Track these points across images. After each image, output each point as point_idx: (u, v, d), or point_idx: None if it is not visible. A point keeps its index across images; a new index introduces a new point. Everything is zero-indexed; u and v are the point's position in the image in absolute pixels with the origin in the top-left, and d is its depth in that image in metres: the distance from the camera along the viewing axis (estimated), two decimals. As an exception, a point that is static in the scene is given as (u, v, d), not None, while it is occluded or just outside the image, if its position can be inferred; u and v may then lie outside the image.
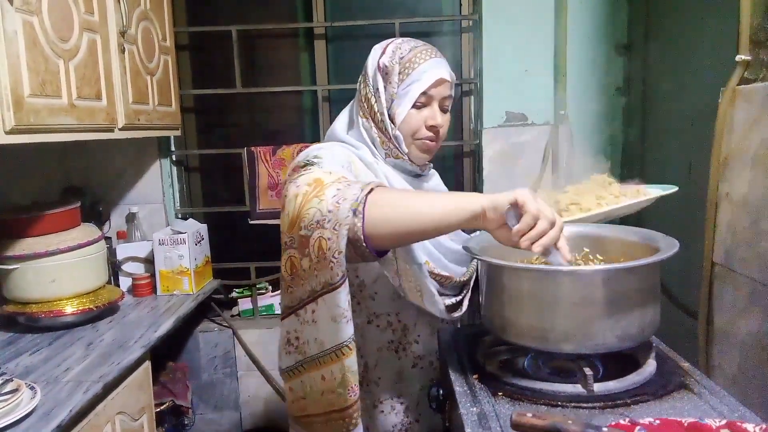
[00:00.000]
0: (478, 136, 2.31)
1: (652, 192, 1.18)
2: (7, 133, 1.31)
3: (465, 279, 1.27)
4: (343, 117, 1.29)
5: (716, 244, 1.33)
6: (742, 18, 1.26)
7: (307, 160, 1.10)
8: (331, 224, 0.94)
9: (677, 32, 1.80)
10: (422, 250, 1.18)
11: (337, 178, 1.01)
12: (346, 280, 0.97)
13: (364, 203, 0.94)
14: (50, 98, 1.43)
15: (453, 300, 1.24)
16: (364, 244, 0.94)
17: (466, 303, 1.29)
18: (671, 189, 1.19)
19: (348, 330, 0.99)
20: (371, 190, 0.96)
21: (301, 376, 1.09)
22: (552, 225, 0.89)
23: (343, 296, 0.97)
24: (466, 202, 0.93)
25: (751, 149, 1.21)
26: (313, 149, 1.16)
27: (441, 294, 1.21)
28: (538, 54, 2.21)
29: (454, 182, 2.43)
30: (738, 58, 1.25)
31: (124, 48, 1.78)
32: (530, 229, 0.89)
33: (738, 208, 1.25)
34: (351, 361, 1.00)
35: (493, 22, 2.20)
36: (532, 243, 0.89)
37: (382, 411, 1.29)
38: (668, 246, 0.97)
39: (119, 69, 1.76)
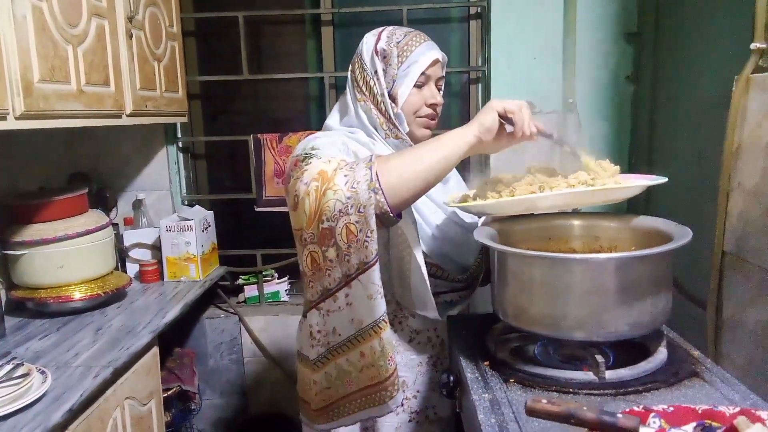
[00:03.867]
0: (486, 124, 2.29)
1: (631, 181, 1.07)
2: (17, 118, 1.31)
3: (464, 276, 1.29)
4: (334, 111, 1.33)
5: (727, 233, 1.32)
6: (757, 5, 1.24)
7: (306, 153, 1.13)
8: (354, 209, 1.00)
9: (688, 20, 1.78)
10: (423, 241, 1.21)
11: (338, 165, 1.05)
12: (378, 258, 1.03)
13: (378, 179, 1.00)
14: (59, 84, 1.42)
15: (449, 297, 1.28)
16: (390, 212, 1.01)
17: (460, 307, 1.31)
18: (661, 179, 1.08)
19: (383, 305, 1.06)
20: (375, 163, 1.02)
21: (325, 366, 1.16)
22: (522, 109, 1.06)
23: (377, 273, 1.03)
24: (461, 139, 1.05)
25: (765, 138, 1.20)
26: (310, 139, 1.19)
27: (439, 292, 1.25)
28: (547, 41, 2.19)
29: (461, 169, 2.41)
30: (753, 46, 1.23)
31: (131, 34, 1.77)
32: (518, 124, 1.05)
33: (750, 197, 1.25)
34: (387, 333, 1.08)
35: (501, 8, 2.18)
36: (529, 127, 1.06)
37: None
38: (681, 235, 0.97)
39: (127, 55, 1.75)
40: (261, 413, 2.41)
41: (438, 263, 1.25)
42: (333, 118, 1.32)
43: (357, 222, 1.00)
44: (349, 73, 1.30)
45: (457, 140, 1.04)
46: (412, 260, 1.15)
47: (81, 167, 2.27)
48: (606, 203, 1.13)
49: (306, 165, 1.09)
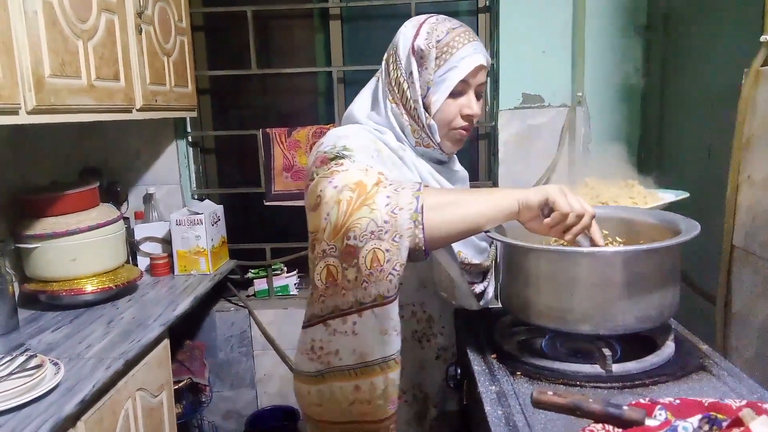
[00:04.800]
0: (494, 118, 2.29)
1: (666, 197, 1.21)
2: (29, 113, 1.32)
3: (488, 264, 1.27)
4: (363, 98, 1.22)
5: (736, 227, 1.31)
6: (767, -3, 1.23)
7: (337, 153, 1.04)
8: (389, 235, 0.92)
9: (698, 13, 1.77)
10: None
11: (378, 180, 0.97)
12: (398, 296, 0.95)
13: (422, 212, 0.92)
14: (70, 79, 1.44)
15: (480, 288, 1.25)
16: (423, 250, 0.94)
17: (491, 291, 1.29)
18: (683, 195, 1.22)
19: (397, 343, 0.97)
20: (420, 193, 0.95)
21: (321, 384, 1.05)
22: (581, 217, 0.93)
23: (395, 309, 0.95)
24: (505, 202, 0.96)
25: (775, 131, 1.19)
26: (339, 137, 1.09)
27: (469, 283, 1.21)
28: (556, 35, 2.18)
29: (469, 165, 2.42)
30: (763, 38, 1.23)
31: (141, 28, 1.79)
32: (560, 224, 0.93)
33: (759, 190, 1.24)
34: (396, 374, 0.99)
35: (510, 2, 2.18)
36: (564, 233, 0.94)
37: (406, 401, 1.26)
38: (689, 228, 0.97)
39: (136, 49, 1.77)
40: (270, 405, 2.43)
41: (478, 262, 1.22)
42: (361, 107, 1.21)
43: (387, 250, 0.92)
44: (384, 62, 1.19)
45: (503, 203, 0.96)
46: (449, 256, 1.13)
47: (92, 162, 2.29)
48: None
49: (337, 166, 1.01)
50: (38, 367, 1.28)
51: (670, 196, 1.21)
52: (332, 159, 1.04)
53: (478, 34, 2.37)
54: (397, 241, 0.91)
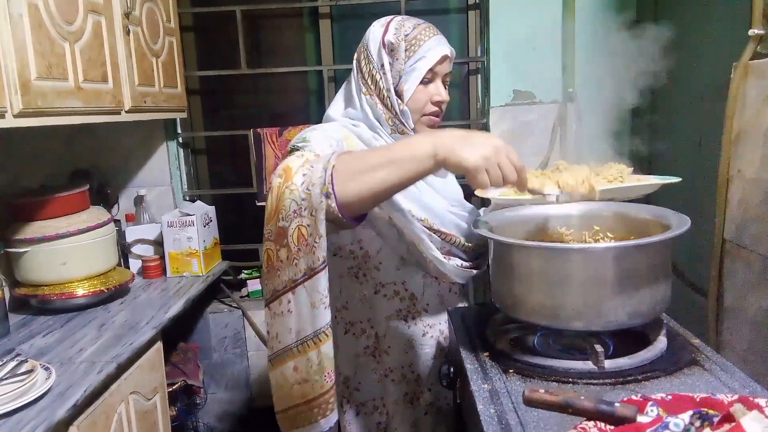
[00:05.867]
0: (486, 115, 2.29)
1: (654, 179, 1.16)
2: (15, 116, 1.31)
3: (471, 245, 1.29)
4: (337, 100, 1.30)
5: (727, 220, 1.32)
6: (755, -9, 1.24)
7: (294, 145, 1.12)
8: (307, 211, 0.96)
9: (687, 7, 1.77)
10: (421, 209, 1.21)
11: (305, 161, 1.00)
12: (327, 266, 0.99)
13: (332, 182, 0.94)
14: (57, 81, 1.42)
15: (464, 263, 1.28)
16: (342, 218, 0.96)
17: (482, 266, 1.31)
18: (675, 179, 1.17)
19: (326, 316, 1.00)
20: (333, 166, 0.96)
21: (271, 371, 1.11)
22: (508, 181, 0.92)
23: (323, 281, 0.99)
24: (422, 152, 0.93)
25: (764, 125, 1.19)
26: (306, 130, 1.17)
27: (451, 254, 1.25)
28: (546, 31, 2.18)
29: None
30: (751, 32, 1.23)
31: (128, 30, 1.77)
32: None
33: (750, 184, 1.24)
34: (328, 346, 1.02)
35: (500, -2, 2.17)
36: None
37: (393, 380, 1.31)
38: (680, 223, 0.97)
39: (124, 51, 1.75)
40: (266, 406, 2.41)
41: (451, 232, 1.25)
42: (335, 108, 1.29)
43: (308, 225, 0.96)
44: (355, 62, 1.28)
45: (421, 157, 0.93)
46: (416, 237, 1.18)
47: (82, 164, 2.27)
48: (629, 198, 1.17)
49: (289, 156, 1.07)
50: (29, 372, 1.27)
51: (656, 179, 1.16)
52: (290, 152, 1.10)
53: (468, 32, 2.39)
54: (314, 215, 0.96)
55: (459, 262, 1.27)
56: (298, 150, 1.09)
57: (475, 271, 1.30)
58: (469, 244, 1.28)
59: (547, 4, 2.16)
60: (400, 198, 1.16)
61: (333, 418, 1.07)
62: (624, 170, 1.15)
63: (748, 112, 1.25)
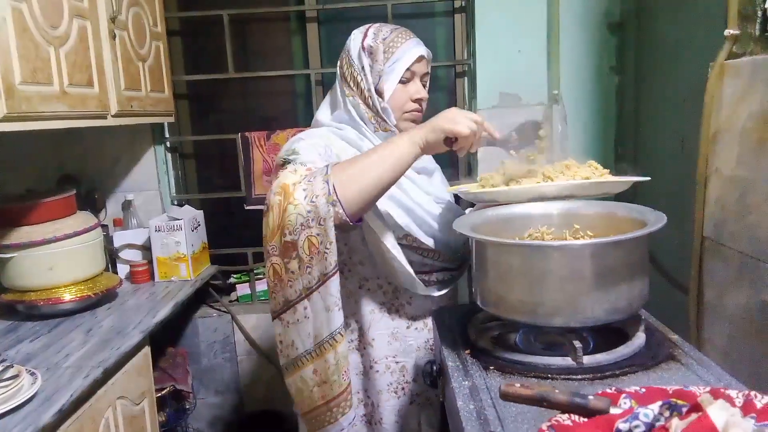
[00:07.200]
0: (472, 117, 2.30)
1: (621, 178, 1.19)
2: (0, 121, 1.31)
3: (450, 256, 1.33)
4: (324, 106, 1.38)
5: (706, 218, 1.34)
6: (731, -8, 1.25)
7: (285, 158, 1.17)
8: (315, 222, 1.05)
9: (669, 9, 1.79)
10: (407, 215, 1.26)
11: (301, 177, 1.08)
12: (338, 269, 1.07)
13: (335, 192, 1.04)
14: (42, 85, 1.43)
15: (442, 277, 1.32)
16: (349, 222, 1.06)
17: (451, 285, 1.36)
18: (643, 178, 1.20)
19: (340, 317, 1.10)
20: (329, 176, 1.06)
21: (288, 377, 1.20)
22: (479, 125, 1.13)
23: (336, 284, 1.08)
24: (406, 150, 1.09)
25: (740, 124, 1.21)
26: (293, 141, 1.23)
27: (434, 269, 1.30)
28: (531, 34, 2.20)
29: (449, 164, 2.43)
30: (726, 32, 1.25)
31: (114, 34, 1.78)
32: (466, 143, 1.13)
33: (727, 182, 1.26)
34: (343, 346, 1.11)
35: (485, 2, 2.18)
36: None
37: (377, 371, 1.34)
38: (656, 220, 0.98)
39: (110, 55, 1.76)
40: (256, 411, 2.42)
41: (429, 246, 1.30)
42: (323, 112, 1.37)
43: (318, 234, 1.05)
44: (338, 68, 1.35)
45: (405, 150, 1.10)
46: (386, 247, 1.22)
47: (69, 169, 2.27)
48: (599, 195, 1.21)
49: (281, 172, 1.13)
50: (14, 377, 1.26)
51: (632, 177, 1.18)
52: (282, 165, 1.15)
53: (454, 35, 2.41)
54: (323, 225, 1.05)
55: (434, 291, 1.34)
56: (289, 163, 1.15)
57: (444, 291, 1.35)
58: (449, 255, 1.33)
59: (532, 7, 2.18)
60: (383, 201, 1.19)
61: (351, 414, 1.15)
62: (598, 169, 1.18)
63: (725, 111, 1.26)
